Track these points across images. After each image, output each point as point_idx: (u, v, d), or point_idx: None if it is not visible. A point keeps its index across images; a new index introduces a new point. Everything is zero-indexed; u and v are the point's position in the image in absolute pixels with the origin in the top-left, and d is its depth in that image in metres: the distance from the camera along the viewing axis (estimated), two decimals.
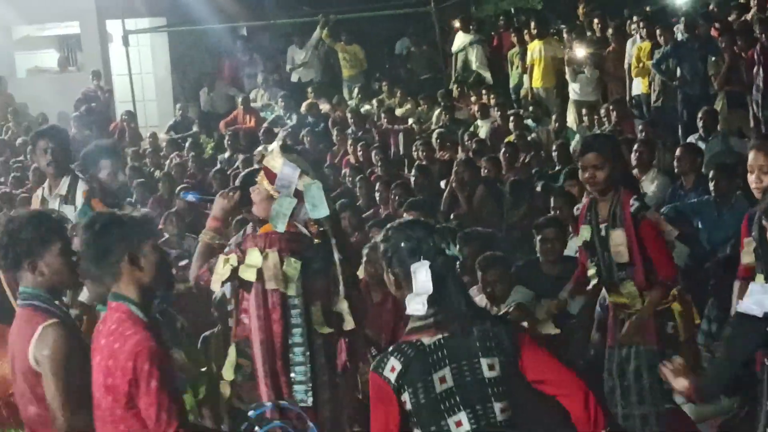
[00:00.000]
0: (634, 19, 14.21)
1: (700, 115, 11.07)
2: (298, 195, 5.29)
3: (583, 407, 3.74)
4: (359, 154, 12.97)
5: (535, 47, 14.72)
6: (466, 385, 3.69)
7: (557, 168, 11.23)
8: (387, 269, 3.83)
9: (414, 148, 12.75)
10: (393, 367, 3.69)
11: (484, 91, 14.85)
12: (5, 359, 4.73)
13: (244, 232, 5.48)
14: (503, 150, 11.58)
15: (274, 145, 5.71)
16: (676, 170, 9.68)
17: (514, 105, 14.89)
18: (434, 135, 13.37)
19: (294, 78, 18.54)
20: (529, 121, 13.56)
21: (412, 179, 10.81)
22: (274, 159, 5.38)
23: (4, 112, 18.53)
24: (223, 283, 5.43)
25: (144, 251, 4.00)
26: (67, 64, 20.93)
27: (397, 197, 9.87)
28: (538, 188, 10.24)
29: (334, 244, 5.42)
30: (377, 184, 10.68)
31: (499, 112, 13.76)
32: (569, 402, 3.76)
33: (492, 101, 14.38)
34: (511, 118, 13.13)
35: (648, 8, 15.20)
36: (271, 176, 5.33)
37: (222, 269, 5.32)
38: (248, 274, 5.28)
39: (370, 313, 6.94)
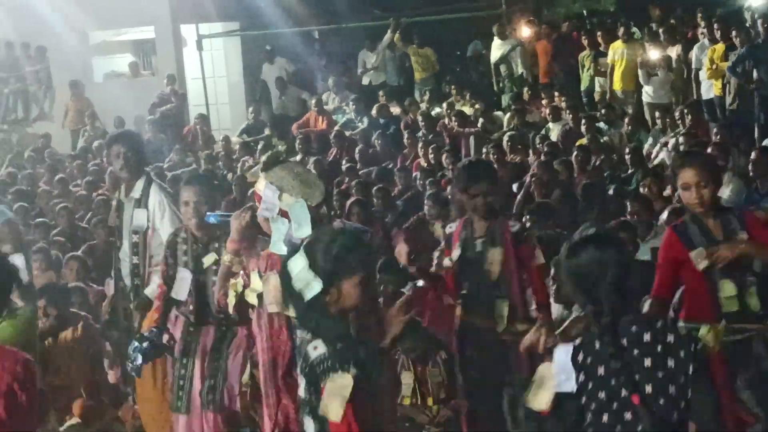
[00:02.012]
0: (702, 23, 14.05)
1: None
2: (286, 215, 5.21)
3: None
4: (430, 156, 12.98)
5: (617, 49, 14.56)
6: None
7: (630, 171, 11.15)
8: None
9: (485, 151, 12.74)
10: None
11: (556, 94, 14.74)
12: None
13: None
14: (575, 153, 11.52)
15: (258, 166, 5.64)
16: (751, 173, 9.56)
17: (585, 107, 14.79)
18: (505, 137, 13.33)
19: (365, 81, 18.60)
20: (601, 124, 13.46)
21: None
22: (259, 181, 5.31)
23: (82, 117, 18.85)
24: (235, 307, 5.46)
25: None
26: (142, 69, 21.22)
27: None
28: (610, 191, 10.17)
29: None
30: (448, 188, 10.68)
31: (570, 115, 13.68)
32: None
33: (563, 104, 14.30)
34: (583, 120, 13.05)
35: (720, 10, 15.00)
36: (260, 199, 5.28)
37: (230, 295, 5.38)
38: (251, 299, 5.30)
39: (441, 315, 6.95)
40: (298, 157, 14.91)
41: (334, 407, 3.72)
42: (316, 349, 3.79)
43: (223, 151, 15.89)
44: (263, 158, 5.41)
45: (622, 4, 18.37)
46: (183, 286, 6.28)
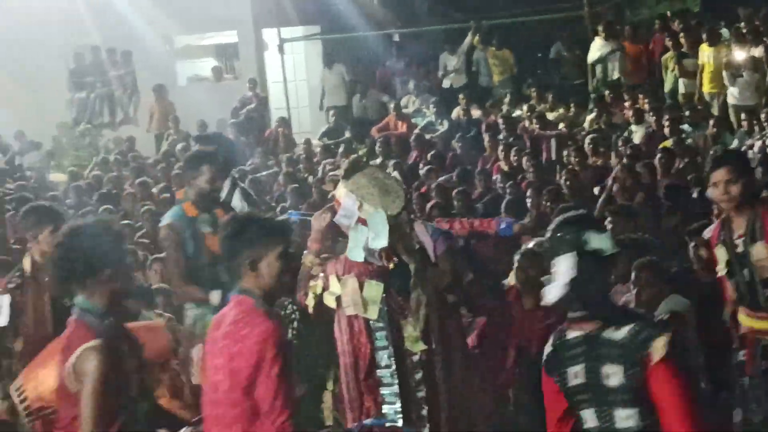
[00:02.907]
0: None
1: None
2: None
3: None
4: (511, 159, 12.93)
5: (705, 51, 14.36)
6: (593, 385, 3.79)
7: None
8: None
9: (566, 154, 12.64)
10: (546, 350, 3.95)
11: (641, 96, 14.57)
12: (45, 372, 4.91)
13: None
14: (659, 155, 11.37)
15: (337, 173, 5.68)
16: None
17: (669, 110, 14.59)
18: (587, 140, 13.22)
19: (445, 84, 18.58)
20: (685, 126, 13.27)
21: (564, 185, 10.72)
22: (339, 188, 5.38)
23: (166, 120, 19.11)
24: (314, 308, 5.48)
25: (267, 259, 4.17)
26: (225, 73, 21.44)
27: (548, 203, 9.83)
28: (694, 194, 10.02)
29: (414, 270, 5.37)
30: (528, 190, 10.62)
31: (654, 117, 13.51)
32: None
33: (646, 105, 14.13)
34: (667, 122, 12.88)
35: None
36: (340, 204, 5.34)
37: (310, 298, 5.40)
38: (329, 302, 5.31)
39: (520, 320, 6.92)
40: (378, 161, 14.95)
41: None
42: (619, 329, 3.78)
43: (303, 154, 15.99)
44: (344, 165, 5.44)
45: (706, 5, 18.12)
46: None
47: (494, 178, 12.36)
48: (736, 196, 5.40)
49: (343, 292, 5.25)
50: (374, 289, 5.28)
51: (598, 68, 16.33)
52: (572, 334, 3.86)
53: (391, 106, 17.72)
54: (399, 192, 5.38)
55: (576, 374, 3.82)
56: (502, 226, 6.71)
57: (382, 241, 5.18)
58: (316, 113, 20.48)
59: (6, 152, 19.28)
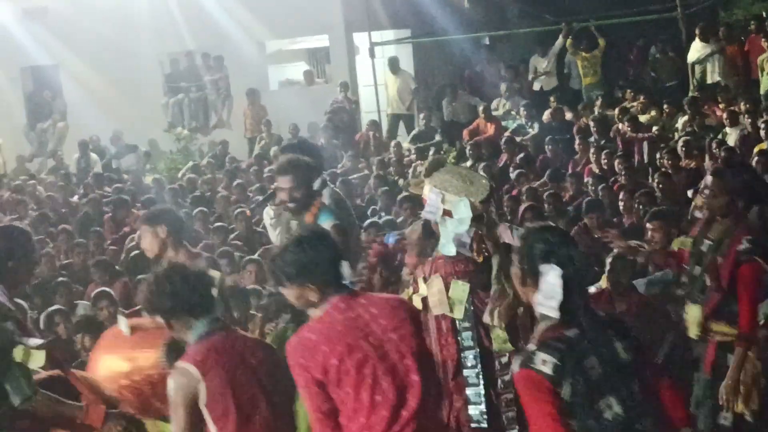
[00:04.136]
0: None
1: None
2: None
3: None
4: (603, 162, 12.84)
5: None
6: (610, 369, 3.81)
7: None
8: (517, 264, 3.94)
9: (659, 156, 12.52)
10: (545, 361, 3.75)
11: (741, 98, 14.35)
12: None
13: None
14: (756, 158, 11.19)
15: (420, 175, 5.74)
16: None
17: (764, 112, 14.36)
18: (680, 143, 13.07)
19: (536, 87, 18.53)
20: None
21: (657, 188, 10.63)
22: (423, 187, 5.47)
23: (258, 124, 19.36)
24: None
25: None
26: (316, 77, 21.63)
27: (641, 206, 9.76)
28: None
29: (498, 263, 5.38)
30: (621, 193, 10.56)
31: (749, 119, 13.31)
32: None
33: (741, 108, 13.93)
34: (763, 124, 12.68)
35: None
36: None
37: None
38: (416, 303, 5.35)
39: None
40: (468, 163, 14.97)
41: None
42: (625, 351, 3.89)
43: (394, 157, 16.07)
44: (425, 165, 5.52)
45: None
46: None
47: (586, 180, 12.30)
48: (717, 207, 5.72)
49: (430, 293, 5.31)
50: (460, 289, 5.33)
51: (697, 70, 16.14)
52: (569, 333, 3.83)
53: (481, 108, 17.72)
54: (482, 181, 5.45)
55: (593, 366, 3.80)
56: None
57: (465, 225, 5.23)
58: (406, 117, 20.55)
59: (103, 156, 19.73)
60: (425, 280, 5.39)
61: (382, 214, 11.83)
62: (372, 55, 18.88)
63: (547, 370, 3.72)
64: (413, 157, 16.07)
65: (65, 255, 12.13)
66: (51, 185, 16.81)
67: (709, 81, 16.05)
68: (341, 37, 19.83)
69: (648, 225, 8.35)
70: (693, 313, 5.81)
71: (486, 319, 5.31)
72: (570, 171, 13.23)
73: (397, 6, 19.96)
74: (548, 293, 3.79)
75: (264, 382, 4.54)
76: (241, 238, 11.52)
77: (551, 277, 3.79)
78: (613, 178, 11.96)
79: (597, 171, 12.69)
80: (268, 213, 7.59)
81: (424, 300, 5.37)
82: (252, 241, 11.49)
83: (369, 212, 12.19)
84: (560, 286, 3.77)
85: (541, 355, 3.75)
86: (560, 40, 17.78)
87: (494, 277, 5.34)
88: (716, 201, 5.73)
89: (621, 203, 10.34)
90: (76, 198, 15.91)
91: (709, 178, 5.83)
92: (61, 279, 10.37)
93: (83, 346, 7.77)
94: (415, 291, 5.45)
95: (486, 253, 5.41)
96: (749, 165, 10.92)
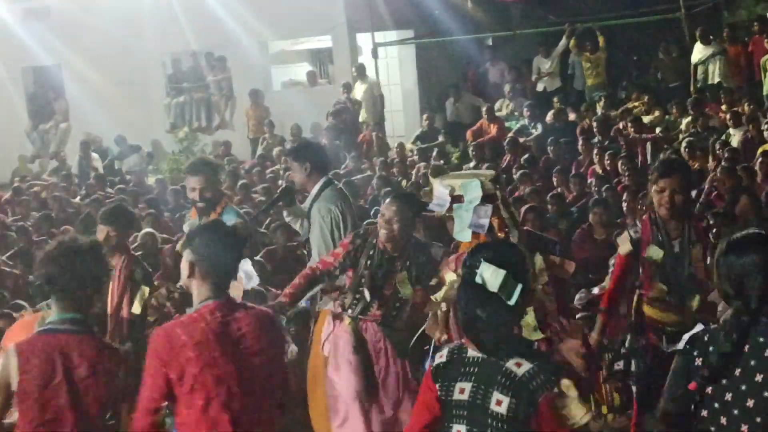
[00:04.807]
0: None
1: None
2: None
3: None
4: (606, 163, 12.81)
5: None
6: (475, 406, 3.88)
7: None
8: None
9: (662, 157, 12.48)
10: (441, 355, 4.02)
11: (744, 99, 14.33)
12: None
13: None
14: (760, 159, 11.17)
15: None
16: None
17: (767, 113, 14.35)
18: (683, 144, 13.05)
19: (539, 87, 18.50)
20: None
21: None
22: (434, 186, 5.55)
23: (261, 125, 19.34)
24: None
25: None
26: (319, 77, 21.62)
27: (644, 207, 9.72)
28: None
29: (517, 237, 5.44)
30: (624, 194, 10.53)
31: (752, 123, 13.28)
32: None
33: (745, 109, 13.90)
34: (766, 125, 12.66)
35: None
36: None
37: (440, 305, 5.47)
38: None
39: (615, 322, 6.88)
40: (472, 164, 14.95)
41: (578, 411, 3.90)
42: (520, 366, 3.84)
43: (397, 158, 16.04)
44: (430, 170, 5.66)
45: None
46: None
47: (589, 181, 12.28)
48: (679, 206, 5.72)
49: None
50: None
51: (699, 70, 16.12)
52: (472, 353, 3.93)
53: (484, 109, 17.70)
54: (486, 172, 5.70)
55: (462, 390, 3.90)
56: None
57: (477, 198, 5.30)
58: (409, 117, 20.56)
59: (105, 156, 19.72)
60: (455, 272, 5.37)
61: None
62: (375, 55, 18.86)
63: (435, 363, 4.04)
64: (416, 157, 16.06)
65: None
66: (53, 186, 16.78)
67: (710, 82, 16.02)
68: (344, 37, 19.82)
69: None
70: None
71: None
72: (573, 172, 13.21)
73: (400, 6, 19.93)
74: None
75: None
76: None
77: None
78: (616, 179, 11.95)
79: (600, 172, 12.67)
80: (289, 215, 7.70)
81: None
82: (254, 242, 11.45)
83: (372, 213, 12.17)
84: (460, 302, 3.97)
85: (446, 350, 4.04)
86: (564, 40, 17.75)
87: None
88: (679, 198, 5.73)
89: (624, 204, 10.32)
90: (78, 199, 15.90)
91: (670, 180, 5.75)
92: None
93: None
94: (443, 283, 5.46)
95: (506, 230, 5.44)
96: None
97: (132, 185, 16.21)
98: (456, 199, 5.38)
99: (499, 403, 3.82)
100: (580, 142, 14.28)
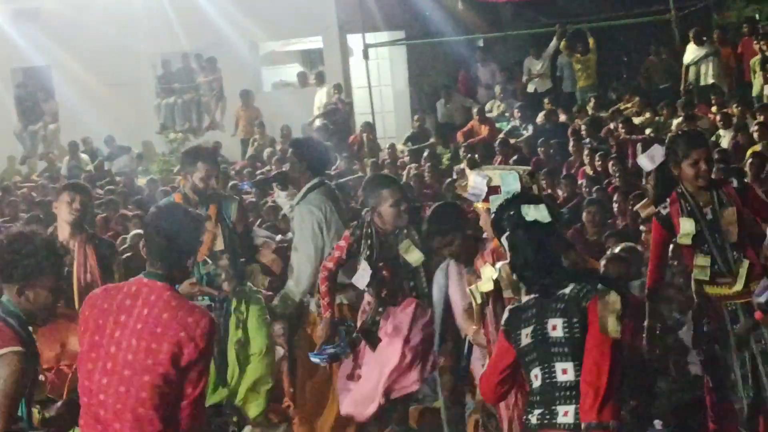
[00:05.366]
0: None
1: None
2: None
3: (585, 404, 3.94)
4: (596, 164, 12.82)
5: None
6: (537, 343, 4.07)
7: None
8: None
9: None
10: (506, 312, 4.27)
11: (733, 101, 14.35)
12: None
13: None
14: (750, 160, 11.18)
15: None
16: None
17: (757, 114, 14.36)
18: None
19: (530, 89, 18.51)
20: None
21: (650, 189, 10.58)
22: (470, 178, 5.57)
23: (252, 126, 19.31)
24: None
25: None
26: (309, 78, 21.59)
27: (634, 208, 9.72)
28: None
29: None
30: (615, 195, 10.53)
31: (742, 122, 13.31)
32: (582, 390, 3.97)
33: (735, 110, 13.93)
34: (756, 127, 12.68)
35: None
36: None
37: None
38: (487, 286, 5.33)
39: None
40: (462, 165, 14.94)
41: (612, 323, 3.96)
42: (567, 286, 4.06)
43: (388, 159, 16.03)
44: (466, 162, 5.66)
45: None
46: (364, 276, 6.57)
47: (580, 182, 12.27)
48: (710, 174, 5.87)
49: (500, 278, 5.30)
50: None
51: (691, 71, 16.14)
52: (525, 298, 4.22)
53: (475, 110, 17.70)
54: (526, 168, 5.68)
55: (527, 335, 4.09)
56: None
57: (515, 191, 5.31)
58: (400, 118, 20.55)
59: (95, 157, 19.67)
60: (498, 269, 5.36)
61: None
62: (366, 56, 18.85)
63: (503, 321, 4.26)
64: (407, 158, 16.05)
65: None
66: (42, 188, 16.73)
67: (702, 83, 16.05)
68: (335, 38, 19.81)
69: (642, 227, 8.35)
70: None
71: None
72: (564, 173, 13.21)
73: (391, 8, 19.93)
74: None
75: None
76: None
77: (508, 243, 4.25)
78: (607, 180, 11.94)
79: (591, 173, 12.66)
80: (279, 195, 7.76)
81: (496, 283, 5.34)
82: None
83: (363, 213, 12.14)
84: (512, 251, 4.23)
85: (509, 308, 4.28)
86: (554, 41, 17.76)
87: None
88: (710, 165, 5.88)
89: (615, 205, 10.31)
90: None
91: (704, 150, 5.90)
92: None
93: None
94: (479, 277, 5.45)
95: None
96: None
97: (121, 186, 16.16)
98: (493, 189, 5.40)
99: (555, 327, 4.03)
100: (571, 143, 14.29)
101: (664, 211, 5.94)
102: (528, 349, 4.09)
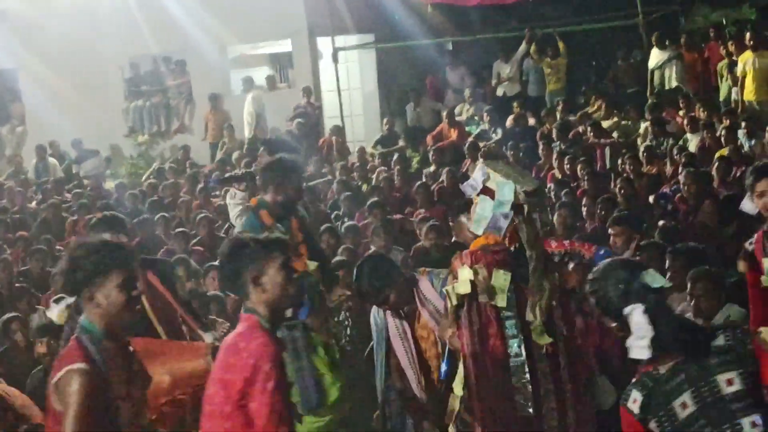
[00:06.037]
0: None
1: None
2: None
3: None
4: (565, 167, 12.87)
5: (747, 58, 14.28)
6: (707, 406, 3.70)
7: None
8: (606, 316, 3.90)
9: (620, 162, 12.56)
10: (635, 399, 3.79)
11: (698, 105, 14.45)
12: (157, 367, 5.05)
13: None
14: (716, 164, 11.26)
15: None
16: None
17: (723, 118, 14.46)
18: (641, 148, 13.13)
19: (499, 92, 18.55)
20: (740, 134, 13.13)
21: (619, 193, 10.65)
22: (476, 167, 5.47)
23: (221, 129, 19.25)
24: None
25: (268, 273, 4.26)
26: (279, 81, 21.55)
27: (603, 211, 9.76)
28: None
29: (529, 256, 5.30)
30: (583, 199, 10.57)
31: (709, 125, 13.39)
32: None
33: (702, 114, 14.02)
34: (723, 131, 12.76)
35: None
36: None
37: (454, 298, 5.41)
38: (463, 288, 5.31)
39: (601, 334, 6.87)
40: (432, 168, 14.96)
41: None
42: (717, 338, 3.77)
43: (357, 162, 16.03)
44: (484, 150, 5.57)
45: (764, 12, 17.90)
46: None
47: (548, 186, 12.30)
48: None
49: (476, 280, 5.26)
50: (501, 278, 5.26)
51: (656, 75, 16.24)
52: (662, 369, 3.80)
53: (444, 113, 17.72)
54: (532, 179, 5.51)
55: (684, 404, 3.73)
56: (601, 252, 6.70)
57: (504, 209, 5.22)
58: (370, 121, 20.54)
59: (63, 160, 19.55)
60: (475, 272, 5.30)
61: (345, 219, 11.79)
62: (335, 60, 18.83)
63: (635, 408, 3.77)
64: (377, 162, 16.05)
65: (22, 262, 11.99)
66: (10, 191, 16.61)
67: (667, 87, 16.15)
68: (304, 41, 19.77)
69: (610, 230, 8.39)
70: None
71: (528, 317, 5.27)
72: (533, 176, 13.23)
73: (361, 11, 19.92)
74: (639, 334, 3.71)
75: None
76: (204, 244, 11.44)
77: (636, 317, 3.72)
78: (575, 184, 11.98)
79: (560, 176, 12.70)
80: (234, 195, 7.53)
81: (473, 284, 5.28)
82: (214, 247, 11.38)
83: (333, 217, 12.14)
84: (647, 324, 3.70)
85: (634, 393, 3.79)
86: (523, 45, 17.80)
87: (531, 272, 5.30)
88: None
89: (584, 209, 10.34)
90: (34, 204, 15.74)
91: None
92: (19, 285, 10.27)
93: (43, 353, 7.67)
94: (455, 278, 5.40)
95: (517, 245, 5.37)
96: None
97: (89, 190, 16.07)
98: (487, 190, 5.33)
99: (731, 382, 3.70)
100: (541, 146, 14.33)
101: (750, 248, 5.63)
102: (692, 419, 3.71)
